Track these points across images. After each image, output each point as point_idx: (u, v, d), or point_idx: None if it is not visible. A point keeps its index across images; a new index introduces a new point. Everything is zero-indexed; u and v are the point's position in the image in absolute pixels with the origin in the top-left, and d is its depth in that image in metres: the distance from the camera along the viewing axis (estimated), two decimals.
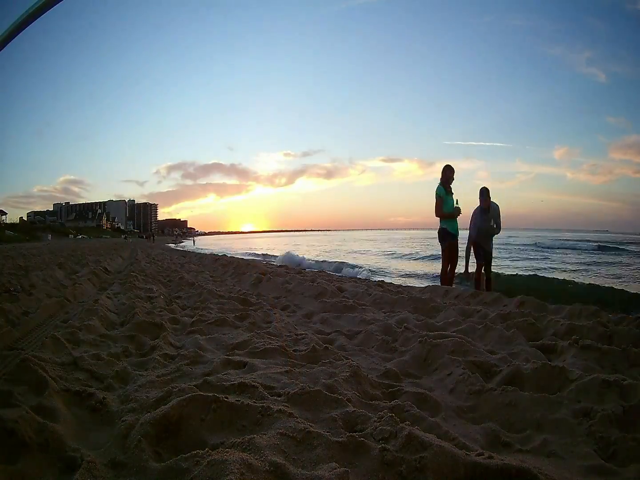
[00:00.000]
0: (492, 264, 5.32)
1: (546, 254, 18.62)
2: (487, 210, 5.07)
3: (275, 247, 27.47)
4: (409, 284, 7.01)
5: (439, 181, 5.15)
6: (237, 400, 1.21)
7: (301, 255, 14.48)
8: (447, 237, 5.07)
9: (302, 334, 2.39)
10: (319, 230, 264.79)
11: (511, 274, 8.98)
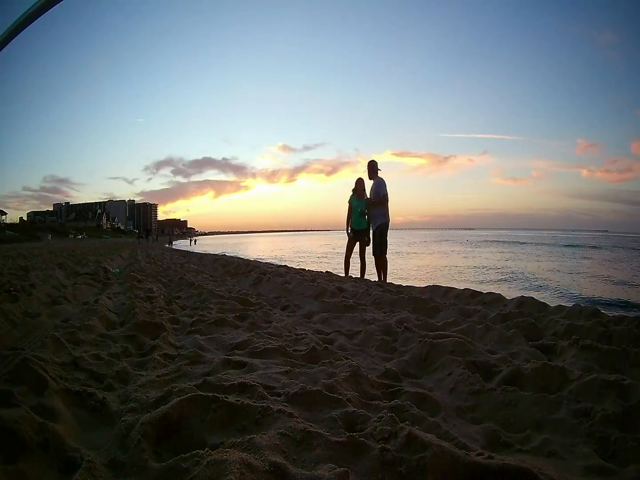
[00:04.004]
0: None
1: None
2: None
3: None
4: (408, 284, 7.02)
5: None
6: (237, 400, 1.21)
7: None
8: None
9: (302, 334, 2.39)
10: (319, 231, 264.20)
11: None
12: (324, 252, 22.08)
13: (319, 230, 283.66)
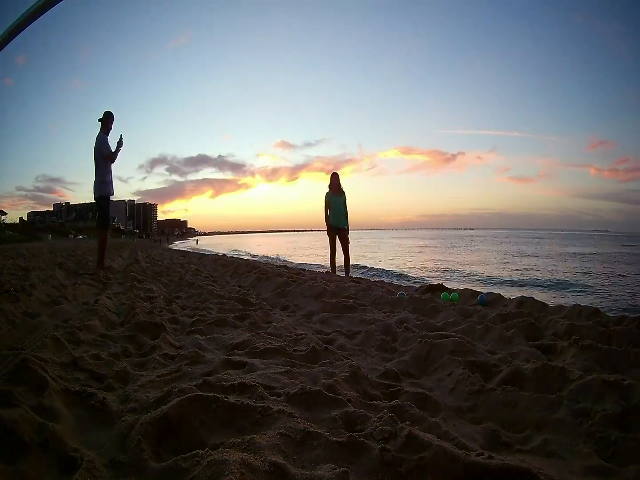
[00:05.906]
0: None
1: None
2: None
3: None
4: (408, 285, 7.03)
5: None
6: (237, 400, 1.21)
7: None
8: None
9: (302, 334, 2.38)
10: (320, 231, 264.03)
11: None
12: (324, 252, 22.20)
13: (320, 231, 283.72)
